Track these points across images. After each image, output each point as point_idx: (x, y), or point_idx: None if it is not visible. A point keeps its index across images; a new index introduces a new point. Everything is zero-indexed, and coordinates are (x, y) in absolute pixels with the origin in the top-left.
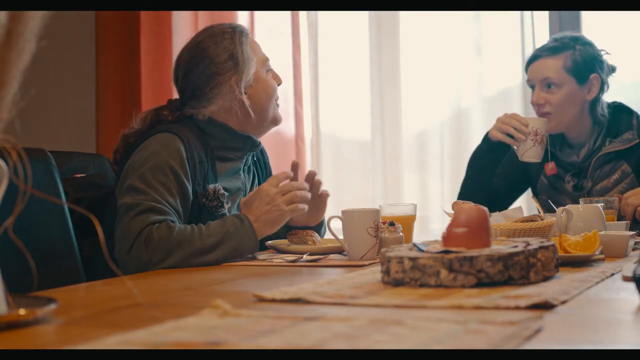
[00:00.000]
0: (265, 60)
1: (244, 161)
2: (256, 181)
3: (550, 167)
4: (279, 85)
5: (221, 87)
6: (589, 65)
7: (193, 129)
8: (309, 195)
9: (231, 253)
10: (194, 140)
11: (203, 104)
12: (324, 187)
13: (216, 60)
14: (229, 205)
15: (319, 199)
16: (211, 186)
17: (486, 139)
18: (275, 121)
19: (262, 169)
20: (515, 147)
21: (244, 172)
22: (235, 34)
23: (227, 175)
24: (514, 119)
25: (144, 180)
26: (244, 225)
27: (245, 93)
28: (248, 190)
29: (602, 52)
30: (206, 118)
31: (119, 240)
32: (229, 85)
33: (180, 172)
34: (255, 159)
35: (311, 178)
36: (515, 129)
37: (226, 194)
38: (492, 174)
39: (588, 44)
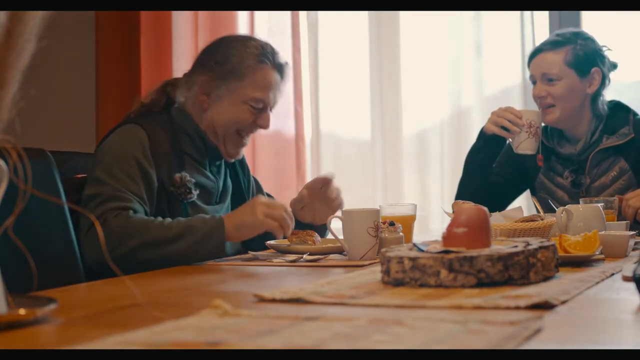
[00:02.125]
0: (254, 99)
1: (207, 162)
2: (229, 189)
3: (540, 158)
4: (261, 127)
5: (196, 76)
6: (590, 59)
7: (164, 122)
8: (291, 222)
9: (193, 248)
10: (160, 133)
11: (182, 86)
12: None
13: (210, 57)
14: (197, 192)
15: (330, 202)
16: (178, 174)
17: (482, 134)
18: (228, 153)
19: (237, 170)
20: (510, 139)
21: (211, 172)
22: (252, 52)
23: (194, 170)
24: (508, 111)
25: (107, 171)
26: (213, 219)
27: (208, 97)
28: (220, 189)
29: (604, 48)
30: (181, 104)
31: (81, 228)
32: (201, 78)
33: (144, 161)
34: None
35: (320, 182)
36: (509, 121)
37: (193, 180)
38: (489, 169)
39: (590, 39)
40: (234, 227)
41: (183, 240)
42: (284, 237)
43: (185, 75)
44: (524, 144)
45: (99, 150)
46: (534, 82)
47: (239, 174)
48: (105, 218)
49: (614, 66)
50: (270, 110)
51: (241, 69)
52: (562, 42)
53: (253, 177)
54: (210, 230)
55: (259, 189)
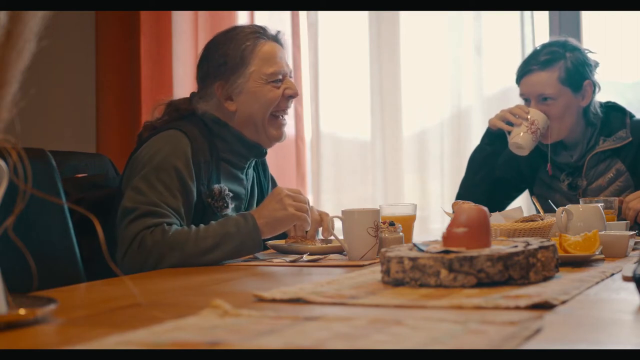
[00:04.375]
0: (271, 74)
1: (246, 166)
2: (255, 193)
3: (548, 167)
4: (291, 96)
5: (207, 89)
6: (581, 72)
7: (201, 127)
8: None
9: (231, 254)
10: (201, 139)
11: (199, 100)
12: (324, 186)
13: (212, 63)
14: (233, 205)
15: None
16: (217, 186)
17: (486, 132)
18: (270, 137)
19: (260, 171)
20: (509, 133)
21: (245, 176)
22: (243, 38)
23: (229, 177)
24: (517, 107)
25: (147, 181)
26: (247, 224)
27: (232, 99)
28: (249, 195)
29: (586, 51)
30: (211, 116)
31: (118, 244)
32: (213, 88)
33: (185, 173)
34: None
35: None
36: (515, 115)
37: (231, 194)
38: (492, 167)
39: (576, 49)
40: (266, 226)
41: (221, 249)
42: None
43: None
44: (519, 137)
45: (139, 157)
46: (527, 100)
47: (261, 176)
48: (142, 238)
49: (597, 65)
50: (290, 77)
51: (244, 56)
52: (552, 59)
53: (271, 175)
54: (246, 236)
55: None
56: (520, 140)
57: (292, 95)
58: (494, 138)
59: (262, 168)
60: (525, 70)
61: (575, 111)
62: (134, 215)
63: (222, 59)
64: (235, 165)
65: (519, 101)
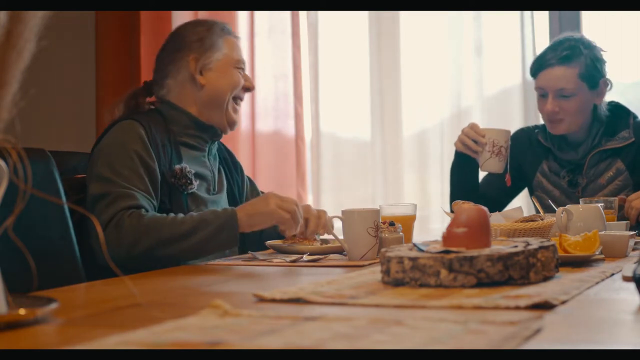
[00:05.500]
0: (238, 61)
1: (207, 149)
2: (224, 180)
3: (507, 178)
4: (248, 89)
5: (180, 61)
6: (598, 69)
7: (156, 117)
8: (301, 219)
9: (207, 242)
10: (155, 125)
11: (162, 77)
12: (324, 186)
13: (185, 40)
14: (197, 182)
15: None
16: (178, 166)
17: (455, 151)
18: (230, 121)
19: (231, 168)
20: (477, 158)
21: (209, 160)
22: (215, 27)
23: (191, 160)
24: (472, 130)
25: (111, 168)
26: (225, 213)
27: (202, 74)
28: (216, 178)
29: (599, 49)
30: (166, 97)
31: (92, 228)
32: (187, 60)
33: (145, 155)
34: (222, 157)
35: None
36: (473, 140)
37: (193, 171)
38: (470, 180)
39: (592, 46)
40: (246, 216)
41: (197, 234)
42: (292, 236)
43: (153, 79)
44: (487, 163)
45: (98, 149)
46: (543, 96)
47: (232, 171)
48: (119, 218)
49: (605, 63)
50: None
51: (216, 41)
52: (572, 55)
53: (247, 177)
54: (223, 222)
55: (254, 188)
56: (489, 167)
57: (249, 87)
58: (462, 157)
59: (234, 167)
60: (544, 64)
61: (589, 109)
62: (108, 200)
63: (199, 37)
64: (195, 148)
65: (521, 100)
